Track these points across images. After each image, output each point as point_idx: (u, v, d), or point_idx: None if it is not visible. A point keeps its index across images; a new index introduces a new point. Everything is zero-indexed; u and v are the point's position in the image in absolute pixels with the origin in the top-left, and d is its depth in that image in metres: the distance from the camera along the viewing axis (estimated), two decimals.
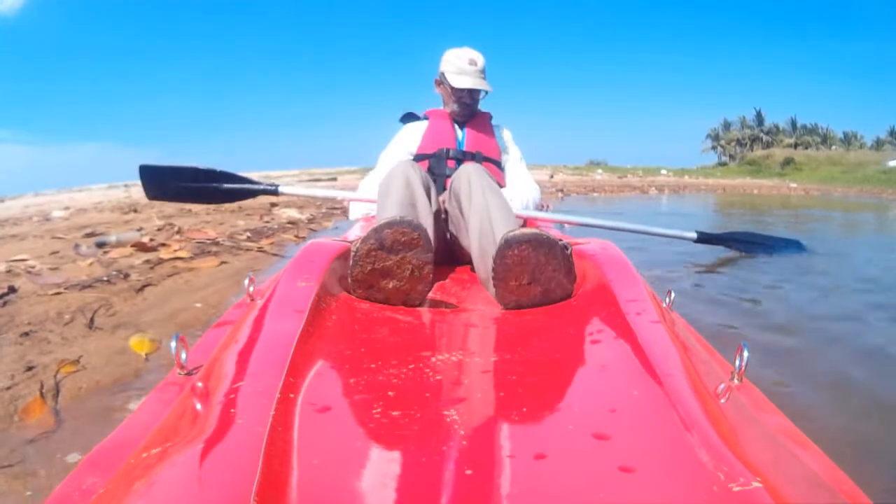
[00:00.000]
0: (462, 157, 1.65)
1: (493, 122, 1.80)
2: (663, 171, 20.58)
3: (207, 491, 0.39)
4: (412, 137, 1.72)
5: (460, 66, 1.65)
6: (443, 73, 1.68)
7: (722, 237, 2.69)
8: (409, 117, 1.85)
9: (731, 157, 29.48)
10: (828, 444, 0.61)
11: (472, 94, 1.68)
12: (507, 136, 1.80)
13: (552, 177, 14.46)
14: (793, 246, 2.91)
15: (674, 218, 5.71)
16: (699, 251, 2.67)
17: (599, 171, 19.34)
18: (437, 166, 1.64)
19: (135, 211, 4.52)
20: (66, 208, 5.27)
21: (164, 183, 2.26)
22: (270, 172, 13.29)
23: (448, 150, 1.66)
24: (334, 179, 9.99)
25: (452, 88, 1.66)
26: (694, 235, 2.53)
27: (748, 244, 2.76)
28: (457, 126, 1.72)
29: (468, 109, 1.70)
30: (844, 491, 0.52)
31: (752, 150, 27.98)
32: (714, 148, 31.03)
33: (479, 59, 1.66)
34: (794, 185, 16.69)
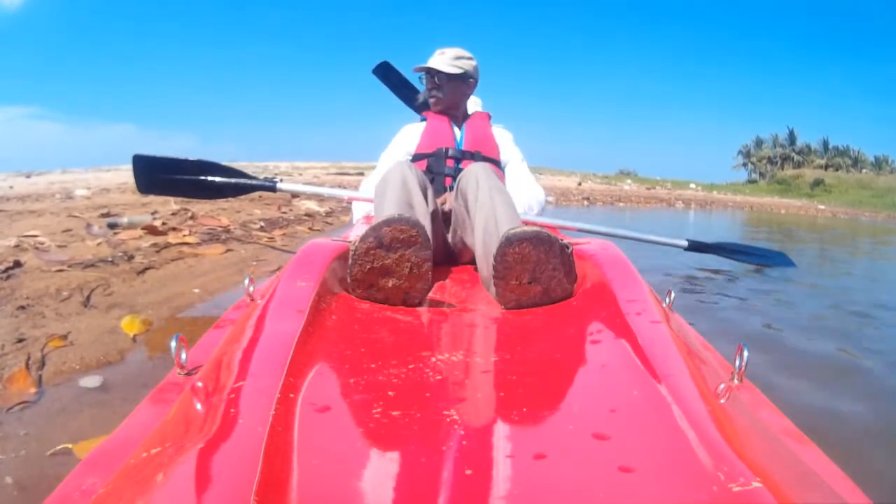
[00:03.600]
0: (461, 157, 1.65)
1: (493, 122, 1.79)
2: (692, 186, 20.45)
3: (207, 491, 0.39)
4: (411, 137, 1.72)
5: (430, 59, 1.68)
6: None
7: (711, 246, 2.75)
8: (383, 67, 2.01)
9: (761, 174, 29.32)
10: (828, 445, 0.61)
11: (440, 77, 1.67)
12: (507, 136, 1.79)
13: (580, 184, 14.45)
14: (779, 258, 2.98)
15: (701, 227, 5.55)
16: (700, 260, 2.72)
17: (629, 181, 19.20)
18: (436, 165, 1.64)
19: None
20: (89, 187, 5.18)
21: (157, 175, 2.24)
22: (299, 163, 12.77)
23: (447, 150, 1.66)
24: (362, 174, 9.91)
25: (421, 78, 1.73)
26: (685, 244, 2.58)
27: (737, 254, 2.83)
28: (455, 126, 1.72)
29: (440, 94, 1.69)
30: (844, 491, 0.52)
31: (782, 169, 27.80)
32: (745, 165, 30.89)
33: (450, 51, 1.68)
34: (822, 206, 16.50)
